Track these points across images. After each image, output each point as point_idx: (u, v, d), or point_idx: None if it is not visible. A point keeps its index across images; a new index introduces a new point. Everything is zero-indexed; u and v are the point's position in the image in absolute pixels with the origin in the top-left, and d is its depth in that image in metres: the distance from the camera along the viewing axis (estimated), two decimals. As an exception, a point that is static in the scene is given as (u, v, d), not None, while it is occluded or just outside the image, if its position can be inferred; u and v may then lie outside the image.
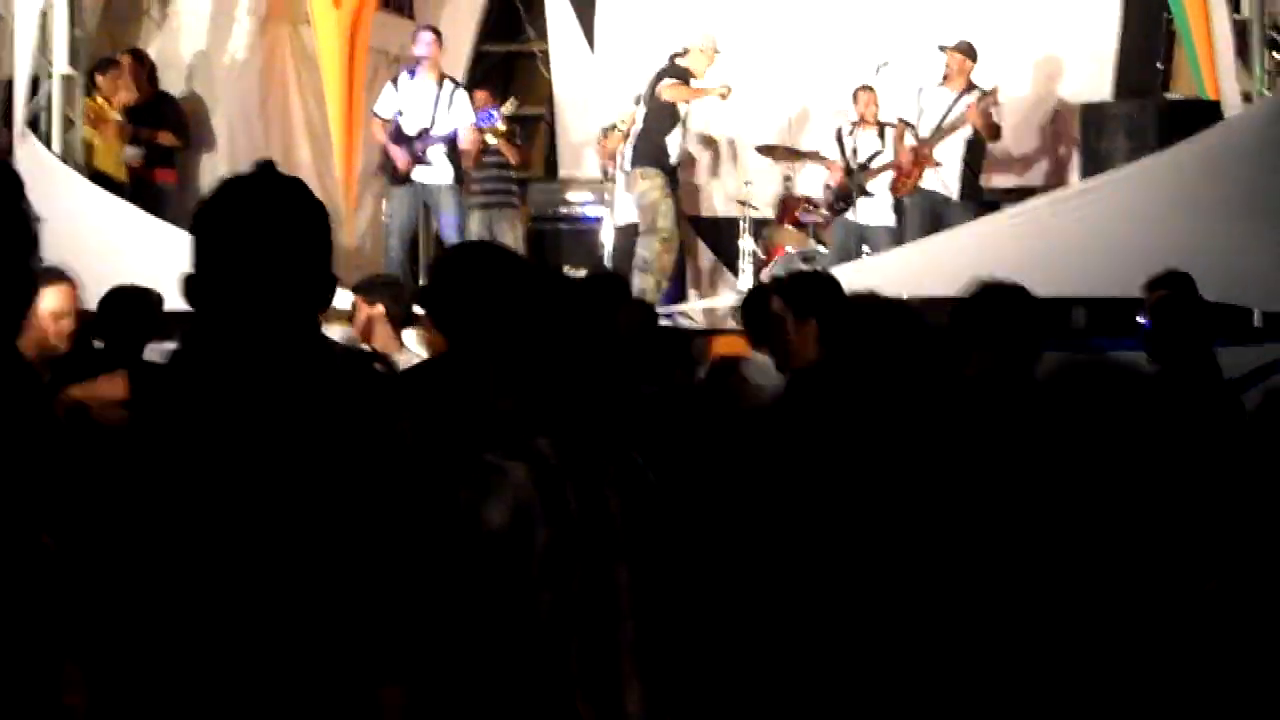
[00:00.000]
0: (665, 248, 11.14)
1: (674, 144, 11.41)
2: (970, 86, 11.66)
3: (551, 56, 14.93)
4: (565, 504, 3.06)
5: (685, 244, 13.30)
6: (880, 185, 12.01)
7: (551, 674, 3.05)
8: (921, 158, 11.65)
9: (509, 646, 3.01)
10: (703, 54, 11.47)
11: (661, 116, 11.32)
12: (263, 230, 2.65)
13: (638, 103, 11.82)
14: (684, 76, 11.37)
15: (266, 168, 2.75)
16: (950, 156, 11.61)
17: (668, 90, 11.28)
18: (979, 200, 11.76)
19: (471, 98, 12.17)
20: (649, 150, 11.32)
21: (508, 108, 11.86)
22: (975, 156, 11.68)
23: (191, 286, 2.68)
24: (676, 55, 11.48)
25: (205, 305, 2.68)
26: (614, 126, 12.53)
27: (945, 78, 11.78)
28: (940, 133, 11.57)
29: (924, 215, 11.56)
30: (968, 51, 11.73)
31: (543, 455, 3.09)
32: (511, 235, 12.69)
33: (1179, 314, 5.90)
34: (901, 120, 11.99)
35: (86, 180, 11.04)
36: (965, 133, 11.58)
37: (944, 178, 11.61)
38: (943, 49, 11.80)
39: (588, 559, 3.09)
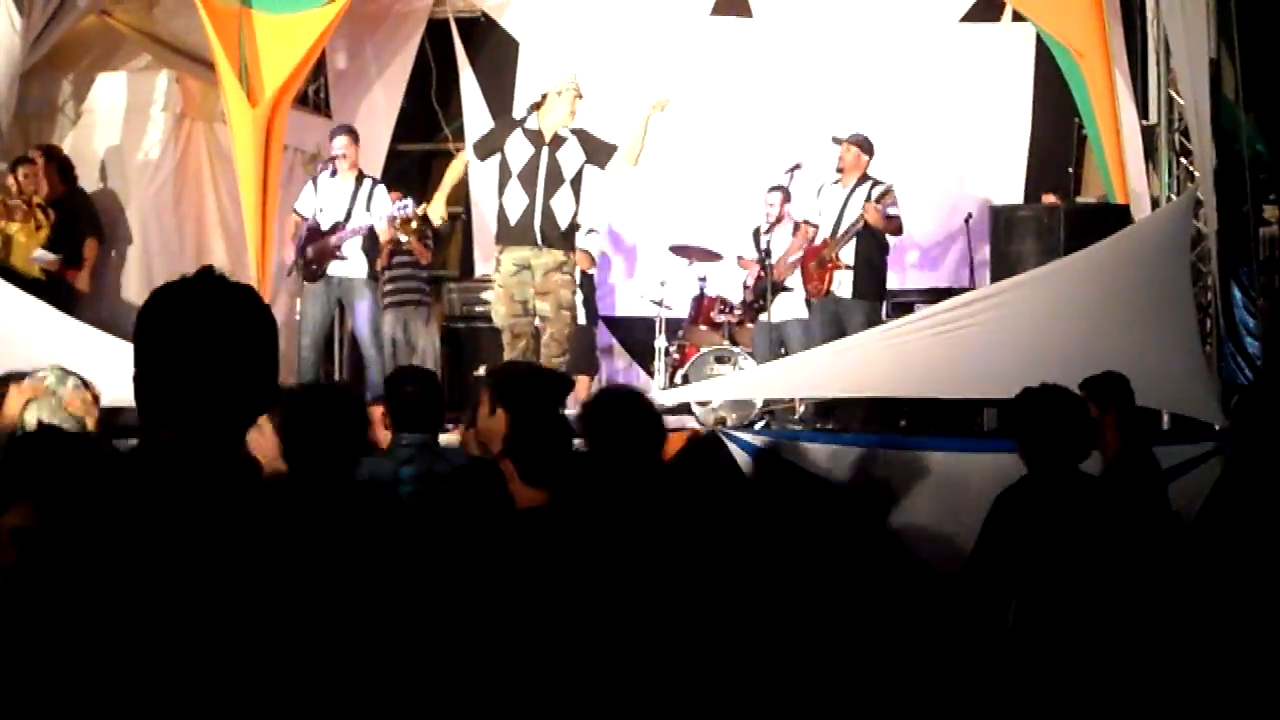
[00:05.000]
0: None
1: None
2: (864, 179, 11.67)
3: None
4: None
5: (601, 344, 13.33)
6: (797, 281, 11.99)
7: None
8: (827, 262, 11.61)
9: None
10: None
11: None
12: (204, 337, 2.53)
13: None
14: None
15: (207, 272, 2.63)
16: (847, 256, 11.62)
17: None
18: (878, 297, 11.79)
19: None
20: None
21: (426, 209, 11.75)
22: (874, 253, 11.65)
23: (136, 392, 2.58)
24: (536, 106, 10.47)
25: (146, 412, 2.57)
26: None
27: (839, 171, 11.79)
28: (842, 237, 11.56)
29: (827, 316, 11.59)
30: (862, 145, 11.72)
31: None
32: (425, 334, 12.64)
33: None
34: (805, 222, 12.03)
35: (-2, 277, 10.92)
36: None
37: (842, 278, 11.60)
38: (837, 141, 11.80)
39: None
